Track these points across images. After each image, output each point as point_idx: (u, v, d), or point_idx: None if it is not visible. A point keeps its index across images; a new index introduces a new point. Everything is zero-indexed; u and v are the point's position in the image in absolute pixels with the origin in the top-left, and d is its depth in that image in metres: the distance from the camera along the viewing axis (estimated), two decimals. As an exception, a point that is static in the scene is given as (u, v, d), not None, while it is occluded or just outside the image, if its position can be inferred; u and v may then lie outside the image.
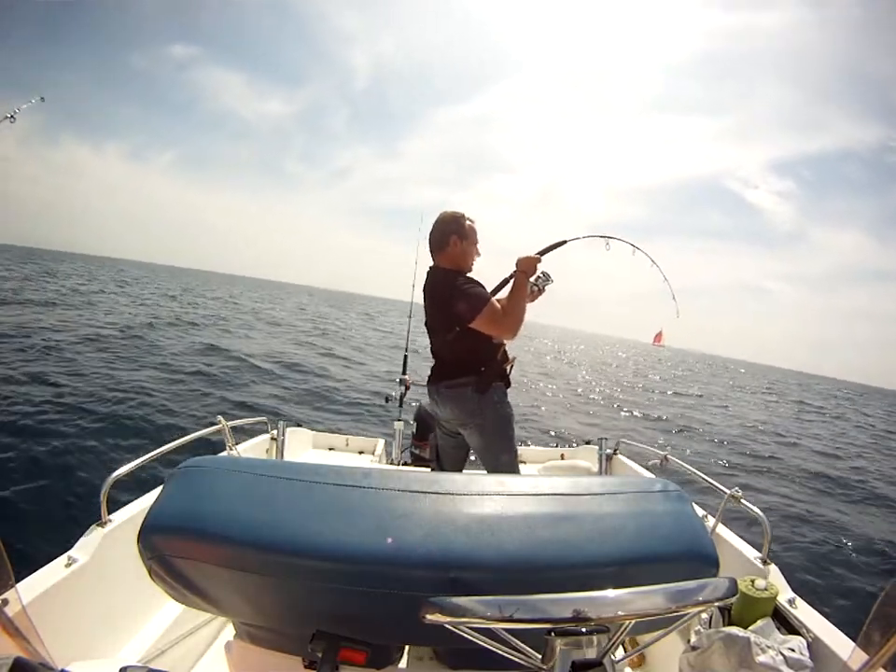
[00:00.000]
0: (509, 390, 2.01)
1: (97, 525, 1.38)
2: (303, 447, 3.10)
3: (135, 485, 1.90)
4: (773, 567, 1.33)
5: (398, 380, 3.29)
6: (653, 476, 2.14)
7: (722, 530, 1.55)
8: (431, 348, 2.07)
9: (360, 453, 3.25)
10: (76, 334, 9.39)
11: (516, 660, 0.58)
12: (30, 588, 1.11)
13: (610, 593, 0.55)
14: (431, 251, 2.00)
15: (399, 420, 3.18)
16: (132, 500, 1.55)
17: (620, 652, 1.05)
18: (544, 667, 0.58)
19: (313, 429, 3.33)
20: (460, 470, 2.16)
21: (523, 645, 0.57)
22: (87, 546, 1.31)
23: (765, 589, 1.17)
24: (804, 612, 1.17)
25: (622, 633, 0.58)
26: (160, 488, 0.85)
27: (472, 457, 2.17)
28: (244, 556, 0.74)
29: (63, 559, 1.25)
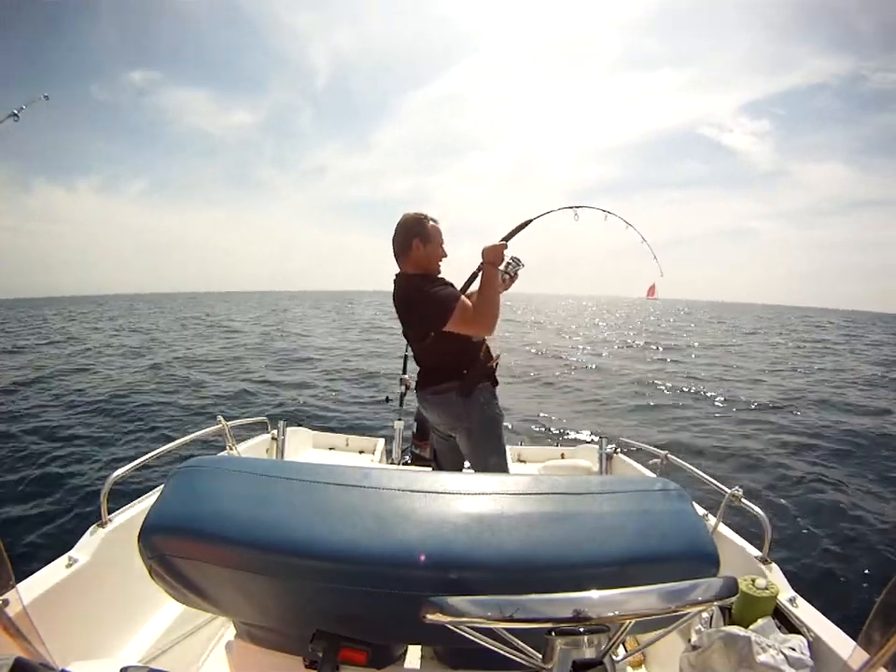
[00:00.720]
0: (498, 388, 1.97)
1: (97, 525, 1.38)
2: (303, 447, 3.10)
3: (135, 485, 1.90)
4: (773, 566, 1.33)
5: (398, 380, 3.29)
6: (653, 475, 2.14)
7: (723, 529, 1.55)
8: (413, 356, 2.05)
9: (360, 452, 3.25)
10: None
11: (517, 660, 0.58)
12: (30, 588, 1.11)
13: (611, 592, 0.55)
14: (396, 257, 1.94)
15: (399, 420, 3.18)
16: (132, 500, 1.55)
17: (620, 652, 1.05)
18: (545, 667, 0.58)
19: (313, 429, 3.34)
20: (459, 471, 2.16)
21: (523, 645, 0.57)
22: (87, 546, 1.31)
23: (766, 588, 1.17)
24: (804, 611, 1.17)
25: (622, 632, 0.58)
26: (160, 488, 0.85)
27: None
28: (244, 556, 0.74)
29: (63, 559, 1.25)
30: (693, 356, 15.31)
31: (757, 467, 5.19)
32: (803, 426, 6.90)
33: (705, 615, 1.20)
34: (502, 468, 1.94)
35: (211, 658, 1.46)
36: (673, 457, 1.97)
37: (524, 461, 3.15)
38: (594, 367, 12.53)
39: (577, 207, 2.10)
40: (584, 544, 0.75)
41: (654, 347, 17.57)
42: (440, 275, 1.93)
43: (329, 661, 0.80)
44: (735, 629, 1.07)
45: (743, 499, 1.41)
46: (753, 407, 8.16)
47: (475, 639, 0.56)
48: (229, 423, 2.13)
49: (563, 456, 3.14)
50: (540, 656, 0.59)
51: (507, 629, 0.55)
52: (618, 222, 2.18)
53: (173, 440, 1.72)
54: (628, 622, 0.56)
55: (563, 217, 2.09)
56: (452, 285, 1.87)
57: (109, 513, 1.41)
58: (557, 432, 6.58)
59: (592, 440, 3.03)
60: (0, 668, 0.50)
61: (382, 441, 3.35)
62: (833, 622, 1.14)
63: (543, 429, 6.67)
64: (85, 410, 6.72)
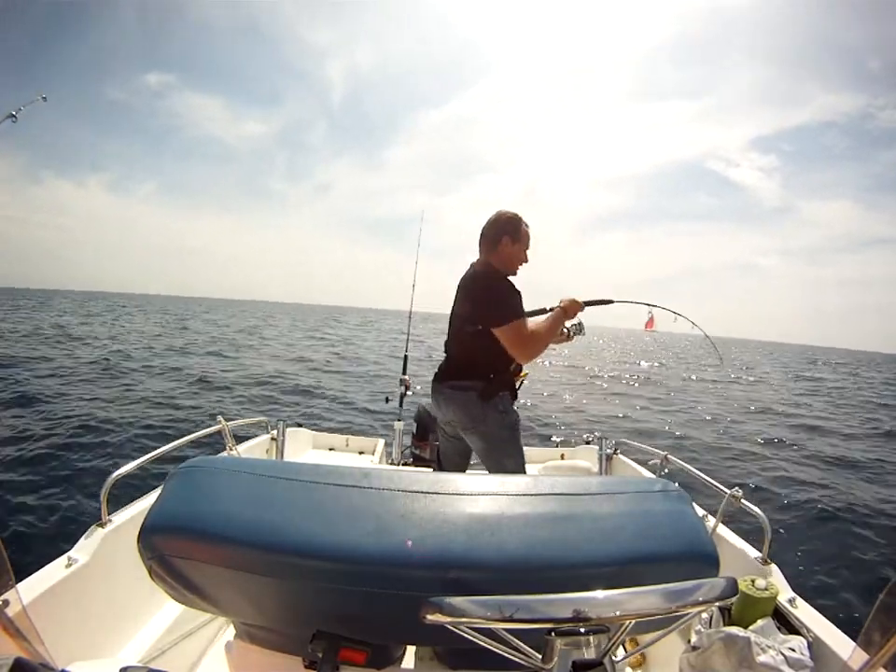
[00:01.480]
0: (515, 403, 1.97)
1: (97, 526, 1.38)
2: (303, 447, 3.10)
3: (135, 485, 1.90)
4: (773, 567, 1.33)
5: (398, 380, 3.29)
6: (653, 476, 2.14)
7: (723, 530, 1.55)
8: (446, 342, 2.03)
9: (360, 453, 3.25)
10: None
11: (517, 660, 0.58)
12: (30, 588, 1.11)
13: (611, 593, 0.55)
14: (480, 247, 1.96)
15: (399, 420, 3.18)
16: (132, 500, 1.55)
17: (620, 652, 1.05)
18: (545, 667, 0.58)
19: (312, 429, 3.34)
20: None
21: (523, 645, 0.57)
22: (87, 546, 1.31)
23: (766, 589, 1.17)
24: (804, 612, 1.17)
25: (622, 633, 0.58)
26: (160, 488, 0.85)
27: (473, 461, 2.15)
28: (244, 556, 0.74)
29: (63, 559, 1.25)
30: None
31: (757, 466, 5.20)
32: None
33: (705, 616, 1.20)
34: (519, 469, 1.92)
35: (211, 658, 1.46)
36: (673, 458, 1.97)
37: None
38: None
39: (652, 306, 2.33)
40: (584, 544, 0.75)
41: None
42: (513, 278, 1.94)
43: (329, 661, 0.80)
44: (735, 630, 1.07)
45: (743, 500, 1.41)
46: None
47: (475, 640, 0.56)
48: (229, 423, 2.13)
49: (563, 457, 3.14)
50: (540, 656, 0.59)
51: (507, 629, 0.55)
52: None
53: (174, 439, 1.72)
54: (628, 622, 0.56)
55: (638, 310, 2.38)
56: (520, 294, 1.89)
57: (109, 513, 1.41)
58: (557, 432, 6.58)
59: (592, 440, 3.03)
60: (0, 668, 0.50)
61: (382, 441, 3.35)
62: (832, 622, 1.14)
63: (543, 430, 6.67)
64: (88, 408, 6.72)
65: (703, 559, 0.77)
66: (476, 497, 0.79)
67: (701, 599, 0.56)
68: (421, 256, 3.47)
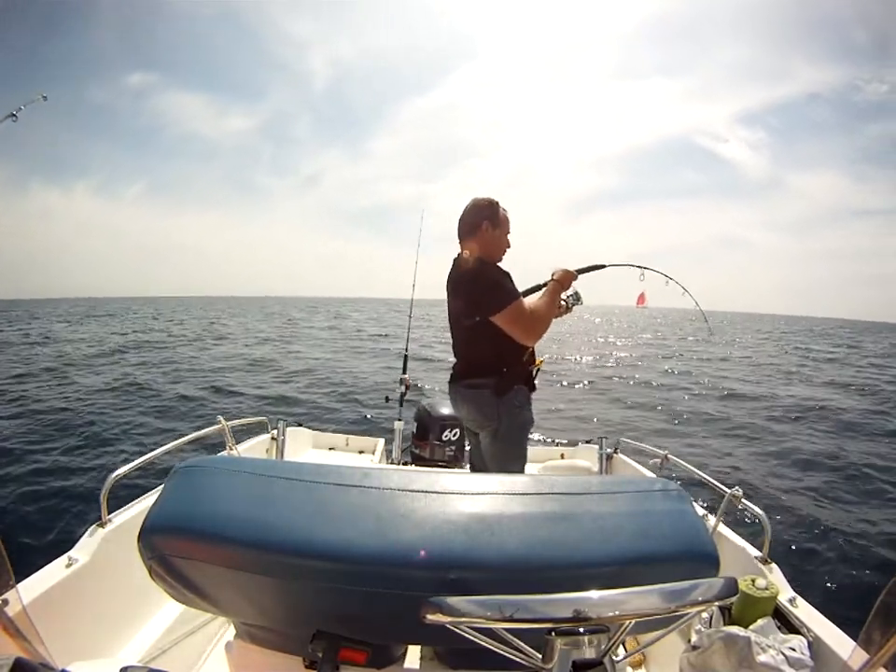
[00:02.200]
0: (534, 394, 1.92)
1: (97, 525, 1.38)
2: (303, 447, 3.10)
3: (135, 485, 1.90)
4: (773, 567, 1.33)
5: (398, 379, 3.29)
6: (653, 475, 2.14)
7: (723, 529, 1.55)
8: (453, 345, 2.00)
9: (360, 452, 3.25)
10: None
11: (517, 660, 0.58)
12: (30, 588, 1.11)
13: (611, 593, 0.55)
14: (460, 237, 1.91)
15: (399, 420, 3.18)
16: (132, 500, 1.55)
17: (620, 652, 1.05)
18: (545, 667, 0.58)
19: (313, 429, 3.34)
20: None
21: (523, 645, 0.57)
22: (87, 546, 1.31)
23: (766, 588, 1.17)
24: (804, 612, 1.17)
25: (622, 633, 0.58)
26: (160, 488, 0.85)
27: None
28: (244, 556, 0.74)
29: (63, 559, 1.25)
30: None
31: (755, 467, 5.20)
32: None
33: (705, 615, 1.20)
34: (520, 471, 1.88)
35: (211, 658, 1.46)
36: (673, 457, 1.97)
37: None
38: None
39: (644, 268, 2.21)
40: (584, 544, 0.75)
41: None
42: (499, 264, 1.90)
43: (329, 661, 0.80)
44: (735, 629, 1.07)
45: (743, 499, 1.41)
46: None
47: (475, 639, 0.56)
48: (229, 423, 2.13)
49: (563, 457, 3.14)
50: (540, 656, 0.58)
51: (507, 629, 0.55)
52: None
53: (173, 439, 1.72)
54: (628, 622, 0.56)
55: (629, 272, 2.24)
56: (513, 282, 1.84)
57: (109, 513, 1.41)
58: (557, 433, 6.58)
59: (591, 440, 3.03)
60: (0, 668, 0.50)
61: (382, 441, 3.35)
62: (832, 622, 1.14)
63: (543, 430, 6.66)
64: (87, 407, 6.72)
65: (703, 559, 0.77)
66: (476, 497, 0.79)
67: (701, 599, 0.56)
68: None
